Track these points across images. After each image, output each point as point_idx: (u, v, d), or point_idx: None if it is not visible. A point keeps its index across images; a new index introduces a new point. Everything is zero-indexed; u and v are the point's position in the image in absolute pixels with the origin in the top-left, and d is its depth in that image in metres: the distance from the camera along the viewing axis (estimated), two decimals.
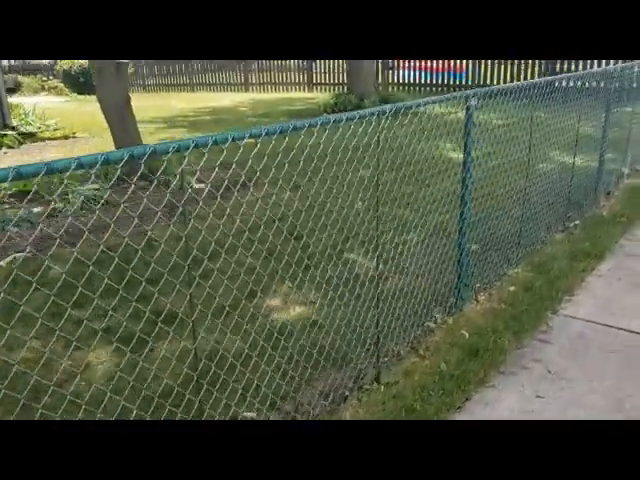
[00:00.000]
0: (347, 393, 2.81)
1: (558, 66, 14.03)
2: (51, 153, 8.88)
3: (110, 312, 2.19)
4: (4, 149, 9.60)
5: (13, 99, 16.08)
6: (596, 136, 6.17)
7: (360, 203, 4.11)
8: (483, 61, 14.94)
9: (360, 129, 2.68)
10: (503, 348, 3.21)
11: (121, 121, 6.48)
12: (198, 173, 2.38)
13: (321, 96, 15.56)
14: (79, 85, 20.34)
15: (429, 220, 4.34)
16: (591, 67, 13.32)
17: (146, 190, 5.88)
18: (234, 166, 2.21)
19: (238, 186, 3.26)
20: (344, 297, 2.97)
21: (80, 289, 1.82)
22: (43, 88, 21.85)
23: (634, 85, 7.42)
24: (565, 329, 3.47)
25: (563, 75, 5.15)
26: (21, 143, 9.99)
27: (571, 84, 5.08)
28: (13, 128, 10.68)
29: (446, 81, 15.62)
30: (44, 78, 22.15)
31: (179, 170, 1.96)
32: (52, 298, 1.76)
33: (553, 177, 5.14)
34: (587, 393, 2.84)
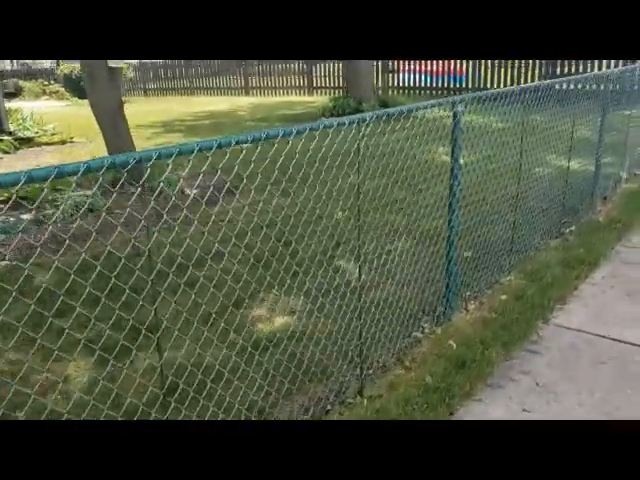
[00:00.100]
0: (329, 407, 2.74)
1: (558, 69, 13.95)
2: (46, 158, 8.85)
3: (92, 322, 2.14)
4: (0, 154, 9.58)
5: (13, 104, 16.11)
6: (594, 140, 6.11)
7: (340, 213, 4.04)
8: (483, 64, 14.88)
9: (350, 135, 2.62)
10: (491, 359, 3.13)
11: (114, 126, 6.43)
12: (180, 180, 2.32)
13: (321, 100, 15.52)
14: (80, 89, 20.32)
15: (420, 226, 4.29)
16: (592, 70, 13.24)
17: (139, 196, 5.81)
18: (218, 173, 2.14)
19: (223, 193, 3.22)
20: (324, 309, 2.90)
21: (61, 298, 1.79)
22: (44, 92, 21.89)
23: (635, 88, 7.36)
24: (556, 339, 3.39)
25: (559, 79, 5.10)
26: (17, 148, 9.96)
27: (567, 87, 5.02)
28: (10, 133, 10.66)
29: (446, 84, 15.57)
30: (45, 82, 22.20)
31: (163, 177, 1.92)
32: (32, 307, 1.74)
33: (547, 182, 5.07)
34: (575, 407, 2.77)
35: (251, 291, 2.97)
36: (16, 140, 10.30)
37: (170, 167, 2.02)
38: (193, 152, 1.95)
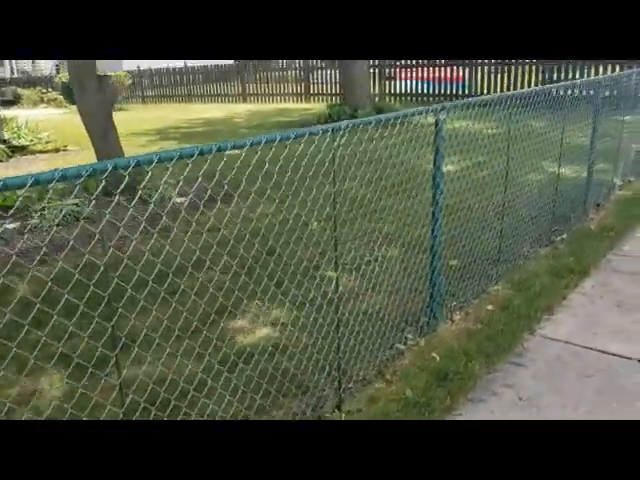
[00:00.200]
0: None
1: (555, 75, 13.92)
2: (38, 166, 8.81)
3: (67, 334, 2.09)
4: None
5: (11, 111, 16.11)
6: (587, 146, 6.05)
7: (315, 223, 3.99)
8: (479, 71, 14.86)
9: (334, 143, 2.57)
10: (473, 372, 3.06)
11: (103, 134, 6.39)
12: (159, 186, 2.27)
13: (318, 107, 15.52)
14: None
15: (403, 235, 4.22)
16: (588, 76, 13.20)
17: (127, 204, 5.75)
18: (204, 179, 2.09)
19: (204, 201, 3.16)
20: (302, 321, 2.84)
21: (37, 308, 1.76)
22: (42, 100, 21.92)
23: (629, 94, 7.31)
24: (541, 351, 3.32)
25: (550, 85, 5.04)
26: (10, 156, 9.93)
27: (557, 93, 4.96)
28: (4, 141, 10.63)
29: (443, 91, 15.54)
30: (43, 90, 22.23)
31: (142, 185, 1.88)
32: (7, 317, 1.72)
33: (536, 190, 5.02)
34: None
35: (228, 302, 2.90)
36: (9, 148, 10.27)
37: (149, 175, 2.03)
38: (173, 159, 1.97)
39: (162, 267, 2.21)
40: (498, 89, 14.48)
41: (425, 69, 15.83)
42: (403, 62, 16.30)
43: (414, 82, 16.08)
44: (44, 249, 4.50)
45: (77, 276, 1.98)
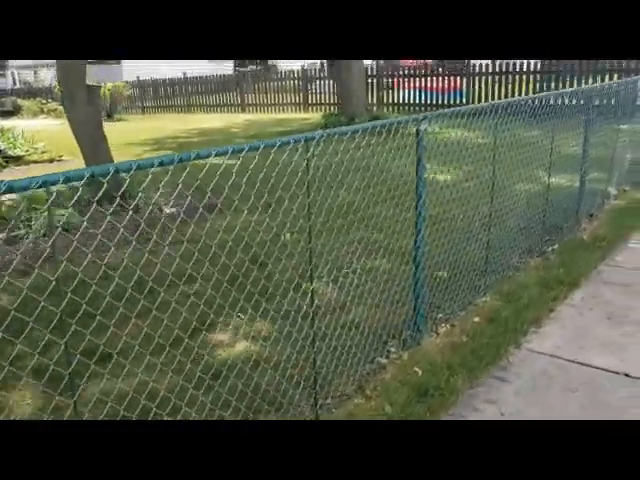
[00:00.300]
0: None
1: (553, 84, 13.90)
2: (29, 176, 8.79)
3: (38, 349, 2.05)
4: None
5: (10, 122, 16.14)
6: (579, 155, 6.00)
7: (288, 235, 3.93)
8: (477, 80, 14.85)
9: (315, 151, 2.52)
10: (455, 387, 2.98)
11: (93, 144, 6.36)
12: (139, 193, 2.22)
13: (316, 116, 15.52)
14: None
15: (389, 245, 4.16)
16: (586, 84, 13.16)
17: (116, 214, 5.70)
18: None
19: (182, 210, 3.11)
20: (278, 334, 2.77)
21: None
22: (42, 111, 21.97)
23: (623, 103, 7.27)
24: (526, 365, 3.24)
25: (543, 94, 5.00)
26: (4, 167, 9.92)
27: (551, 102, 4.91)
28: (0, 152, 10.63)
29: (441, 101, 15.53)
30: (43, 101, 22.29)
31: (120, 192, 1.83)
32: None
33: (525, 200, 4.96)
34: None
35: (206, 316, 2.84)
36: (4, 158, 10.26)
37: (127, 183, 2.01)
38: (153, 166, 1.96)
39: (132, 283, 2.15)
40: (496, 98, 14.45)
41: (423, 79, 15.83)
42: (401, 72, 16.32)
43: (412, 92, 16.07)
44: (26, 259, 4.46)
45: (51, 287, 1.92)
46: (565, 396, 2.93)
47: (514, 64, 14.32)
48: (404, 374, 3.14)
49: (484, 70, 14.68)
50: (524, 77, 14.05)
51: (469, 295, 4.01)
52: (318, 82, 18.08)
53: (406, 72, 16.23)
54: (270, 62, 31.93)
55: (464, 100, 15.05)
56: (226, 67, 29.86)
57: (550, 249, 4.95)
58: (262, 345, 2.83)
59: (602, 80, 12.94)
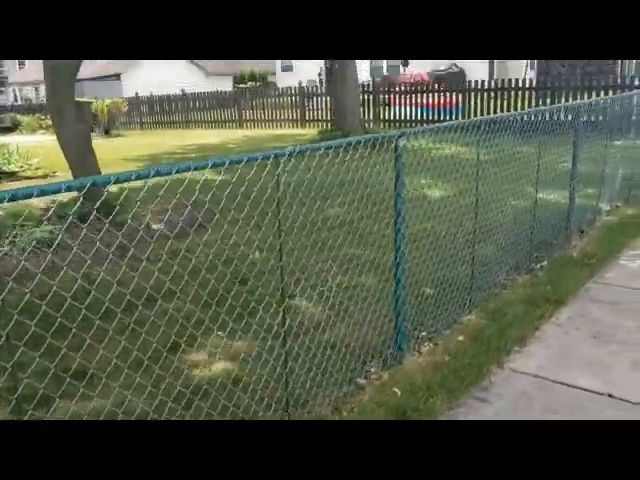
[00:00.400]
0: None
1: (549, 100, 13.92)
2: None
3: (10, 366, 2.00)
4: None
5: (9, 138, 16.21)
6: (569, 171, 5.97)
7: (257, 253, 3.88)
8: (473, 96, 14.89)
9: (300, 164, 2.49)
10: (434, 409, 2.91)
11: (81, 160, 6.34)
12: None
13: (312, 132, 15.56)
14: None
15: (376, 260, 4.11)
16: (581, 99, 13.18)
17: (102, 231, 5.64)
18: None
19: (166, 226, 3.08)
20: (242, 358, 2.71)
21: None
22: (41, 127, 22.07)
23: (614, 119, 7.26)
24: (508, 385, 3.17)
25: (531, 110, 4.98)
26: None
27: (539, 118, 4.89)
28: None
29: (437, 117, 15.56)
30: (42, 117, 22.39)
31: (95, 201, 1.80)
32: None
33: (512, 216, 4.91)
34: None
35: (180, 336, 2.78)
36: None
37: (105, 195, 1.99)
38: (131, 179, 2.02)
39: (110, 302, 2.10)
40: (492, 114, 14.48)
41: (420, 95, 15.88)
42: (397, 88, 16.38)
43: (409, 108, 16.11)
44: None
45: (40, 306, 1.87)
46: (545, 418, 2.86)
47: (509, 81, 14.38)
48: (383, 395, 3.07)
49: (479, 87, 14.74)
50: (519, 93, 14.09)
51: (454, 313, 3.95)
52: (315, 99, 18.16)
53: (402, 89, 16.30)
54: (269, 79, 32.18)
55: (459, 116, 15.08)
56: (225, 84, 30.09)
57: (539, 266, 4.90)
58: (232, 366, 2.76)
59: (597, 96, 12.97)
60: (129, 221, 5.11)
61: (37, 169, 11.08)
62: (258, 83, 28.63)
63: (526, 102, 14.03)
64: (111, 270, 4.45)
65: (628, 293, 4.33)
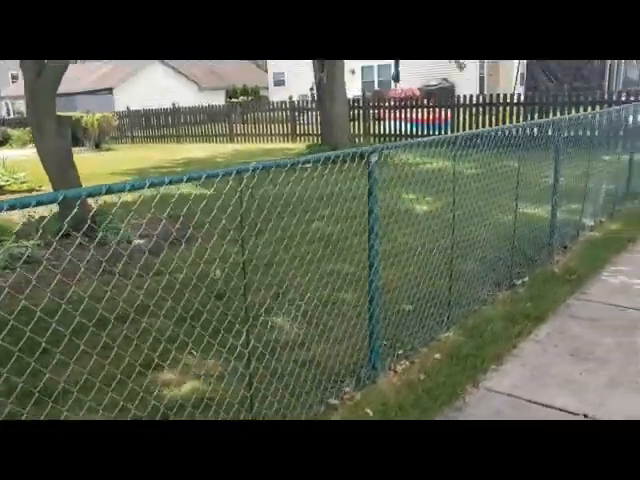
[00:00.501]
0: None
1: (537, 115, 13.99)
2: None
3: None
4: None
5: None
6: (559, 187, 5.97)
7: (218, 272, 3.82)
8: (462, 112, 14.96)
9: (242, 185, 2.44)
10: None
11: (62, 175, 6.27)
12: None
13: (301, 147, 15.58)
14: None
15: (356, 274, 4.06)
16: (569, 114, 13.25)
17: (84, 246, 5.57)
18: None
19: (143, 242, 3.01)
20: (208, 377, 2.64)
21: None
22: (31, 140, 21.96)
23: (596, 133, 7.28)
24: (482, 405, 3.11)
25: (513, 125, 4.98)
26: None
27: (520, 133, 4.88)
28: None
29: (426, 132, 15.61)
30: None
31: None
32: None
33: (493, 231, 4.87)
34: None
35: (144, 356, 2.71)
36: None
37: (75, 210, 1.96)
38: (101, 193, 1.98)
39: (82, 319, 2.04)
40: (480, 128, 14.54)
41: (410, 110, 15.94)
42: (387, 103, 16.45)
43: (399, 123, 16.17)
44: None
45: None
46: None
47: (497, 96, 14.47)
48: (354, 416, 3.00)
49: (468, 102, 14.82)
50: (507, 108, 14.17)
51: (432, 330, 3.89)
52: (306, 113, 18.21)
53: (393, 103, 16.37)
54: (262, 93, 32.31)
55: (448, 131, 15.14)
56: (218, 98, 30.18)
57: (520, 282, 4.86)
58: (200, 386, 2.69)
59: (584, 111, 13.04)
60: (105, 234, 5.07)
61: (23, 183, 11.01)
62: (250, 97, 28.71)
63: (514, 117, 14.12)
64: (87, 286, 4.39)
65: (608, 309, 4.29)
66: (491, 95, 14.94)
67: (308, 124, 18.21)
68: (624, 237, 6.13)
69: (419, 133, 15.68)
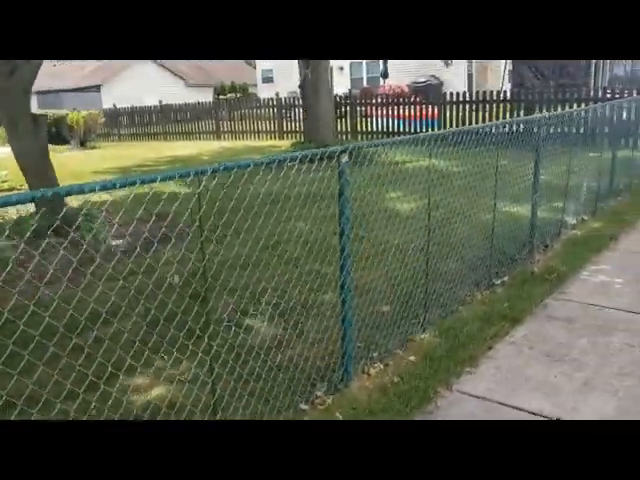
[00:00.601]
0: None
1: (522, 112, 13.98)
2: None
3: None
4: None
5: None
6: (553, 184, 5.96)
7: (176, 277, 3.76)
8: (449, 109, 14.93)
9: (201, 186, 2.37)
10: None
11: (38, 174, 6.17)
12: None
13: (288, 144, 15.48)
14: (51, 135, 20.17)
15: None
16: (555, 110, 13.24)
17: (59, 247, 5.44)
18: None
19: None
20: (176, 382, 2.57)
21: None
22: None
23: (581, 130, 7.25)
24: (454, 409, 3.06)
25: (493, 123, 4.93)
26: None
27: (499, 130, 4.84)
28: None
29: (414, 129, 15.56)
30: None
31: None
32: None
33: (472, 231, 4.83)
34: None
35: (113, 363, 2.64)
36: None
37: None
38: (72, 193, 2.01)
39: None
40: (467, 125, 14.51)
41: (397, 107, 15.88)
42: (374, 100, 16.39)
43: (387, 120, 16.10)
44: None
45: None
46: None
47: (484, 93, 14.45)
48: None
49: (455, 99, 14.79)
50: (494, 106, 14.15)
51: (408, 331, 3.84)
52: (293, 110, 18.10)
53: (380, 100, 16.31)
54: (250, 90, 32.14)
55: (435, 129, 15.10)
56: (206, 95, 29.98)
57: (499, 281, 4.82)
58: (167, 392, 2.62)
59: (570, 108, 13.05)
60: (80, 234, 4.97)
61: (3, 182, 10.86)
62: (238, 94, 28.55)
63: (500, 114, 14.10)
64: (60, 288, 4.30)
65: (586, 309, 4.26)
66: (477, 92, 14.93)
67: (295, 121, 18.09)
68: (606, 235, 6.12)
69: (407, 130, 15.62)
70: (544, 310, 4.29)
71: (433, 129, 15.12)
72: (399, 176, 4.51)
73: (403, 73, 24.07)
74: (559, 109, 13.15)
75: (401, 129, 15.77)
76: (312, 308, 3.91)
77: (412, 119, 15.71)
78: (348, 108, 16.70)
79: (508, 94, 14.46)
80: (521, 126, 5.28)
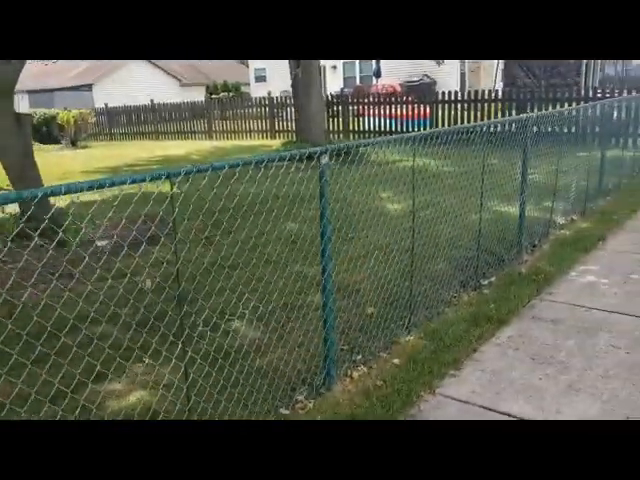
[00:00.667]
0: None
1: (515, 112, 13.98)
2: None
3: None
4: None
5: None
6: (542, 184, 5.93)
7: (149, 281, 3.71)
8: (441, 108, 14.91)
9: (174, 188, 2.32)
10: None
11: (22, 176, 6.10)
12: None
13: (279, 143, 15.42)
14: (42, 134, 20.08)
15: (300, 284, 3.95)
16: (546, 109, 13.24)
17: (43, 248, 5.36)
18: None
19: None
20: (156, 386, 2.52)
21: None
22: None
23: (570, 130, 7.24)
24: (437, 413, 3.02)
25: (480, 123, 4.90)
26: None
27: (484, 130, 4.80)
28: None
29: (406, 128, 15.53)
30: None
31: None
32: None
33: (459, 231, 4.80)
34: None
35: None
36: None
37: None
38: (60, 193, 1.94)
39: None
40: (459, 124, 14.51)
41: (390, 106, 15.85)
42: (367, 100, 16.35)
43: (379, 119, 16.07)
44: None
45: None
46: None
47: (475, 92, 14.44)
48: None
49: (447, 98, 14.78)
50: (486, 105, 14.15)
51: (393, 333, 3.80)
52: (285, 109, 18.04)
53: (372, 99, 16.27)
54: (243, 89, 32.04)
55: (427, 128, 15.08)
56: (199, 94, 29.87)
57: (486, 282, 4.78)
58: (148, 397, 2.57)
59: (561, 107, 13.05)
60: (65, 236, 4.91)
61: None
62: (231, 93, 28.44)
63: (492, 114, 14.10)
64: (44, 291, 4.24)
65: (573, 311, 4.23)
66: (469, 92, 14.93)
67: (287, 120, 18.03)
68: (595, 235, 6.09)
69: (401, 130, 15.59)
70: (530, 311, 4.26)
71: (425, 128, 15.10)
72: (389, 176, 4.47)
73: (396, 72, 24.07)
74: (550, 108, 13.15)
75: (393, 128, 15.75)
76: (294, 310, 3.86)
77: (404, 118, 15.69)
78: (340, 107, 16.66)
79: (500, 93, 14.47)
80: (506, 126, 5.24)
